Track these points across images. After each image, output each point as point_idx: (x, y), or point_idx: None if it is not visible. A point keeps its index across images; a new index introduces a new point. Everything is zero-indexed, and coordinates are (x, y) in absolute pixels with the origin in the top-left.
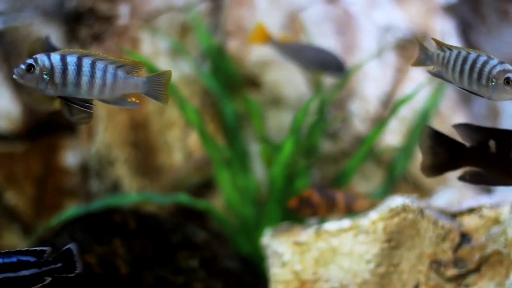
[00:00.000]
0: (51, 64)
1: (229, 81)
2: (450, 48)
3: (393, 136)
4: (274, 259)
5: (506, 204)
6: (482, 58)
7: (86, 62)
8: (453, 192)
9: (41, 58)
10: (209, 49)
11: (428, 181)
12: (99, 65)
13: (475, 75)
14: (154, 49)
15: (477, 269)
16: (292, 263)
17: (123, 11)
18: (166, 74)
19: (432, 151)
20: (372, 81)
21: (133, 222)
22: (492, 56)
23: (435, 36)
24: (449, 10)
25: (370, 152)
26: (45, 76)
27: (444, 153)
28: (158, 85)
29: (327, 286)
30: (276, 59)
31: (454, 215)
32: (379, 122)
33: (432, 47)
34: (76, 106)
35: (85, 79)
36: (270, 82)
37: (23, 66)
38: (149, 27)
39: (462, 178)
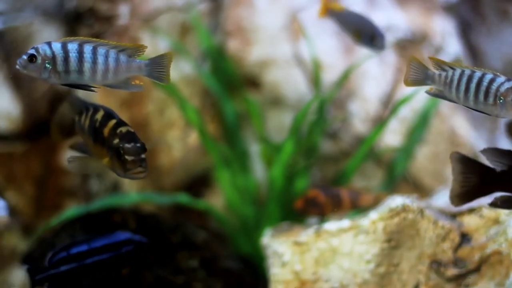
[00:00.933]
0: (53, 53)
1: (229, 81)
2: (452, 66)
3: (393, 136)
4: (274, 259)
5: None
6: (488, 76)
7: (88, 48)
8: None
9: (43, 47)
10: (209, 49)
11: (428, 181)
12: (101, 50)
13: (481, 94)
14: (154, 49)
15: (477, 269)
16: (292, 263)
17: (123, 11)
18: (168, 55)
19: (462, 177)
20: (372, 81)
21: (133, 222)
22: (498, 73)
23: (435, 36)
24: (449, 10)
25: (370, 152)
26: (47, 65)
27: (475, 179)
28: (160, 67)
29: (327, 286)
30: (276, 59)
31: (454, 215)
32: (379, 122)
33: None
34: (81, 89)
35: (87, 65)
36: (270, 82)
37: (25, 57)
38: (149, 27)
39: (493, 204)
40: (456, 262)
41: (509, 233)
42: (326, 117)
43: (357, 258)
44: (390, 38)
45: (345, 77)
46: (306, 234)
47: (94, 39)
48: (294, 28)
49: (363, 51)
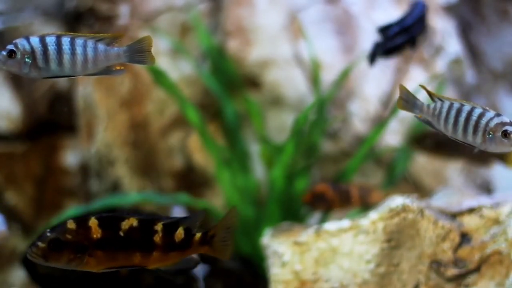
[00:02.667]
0: (32, 47)
1: (229, 81)
2: (441, 99)
3: (393, 136)
4: (274, 259)
5: (506, 204)
6: (478, 110)
7: (65, 40)
8: (453, 192)
9: (21, 42)
10: (209, 49)
11: (428, 181)
12: (78, 41)
13: (470, 127)
14: (154, 49)
15: (477, 269)
16: (292, 263)
17: (123, 11)
18: (146, 39)
19: None
20: (372, 81)
21: None
22: (487, 108)
23: (435, 36)
24: (449, 10)
25: (370, 152)
26: (27, 60)
27: None
28: (140, 51)
29: (327, 286)
30: (276, 59)
31: (454, 215)
32: (379, 122)
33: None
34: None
35: (66, 56)
36: (270, 82)
37: (4, 53)
38: (149, 27)
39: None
40: (456, 262)
41: (509, 233)
42: (326, 117)
43: (357, 258)
44: None
45: (345, 75)
46: (306, 234)
47: (71, 32)
48: (294, 28)
49: (363, 51)
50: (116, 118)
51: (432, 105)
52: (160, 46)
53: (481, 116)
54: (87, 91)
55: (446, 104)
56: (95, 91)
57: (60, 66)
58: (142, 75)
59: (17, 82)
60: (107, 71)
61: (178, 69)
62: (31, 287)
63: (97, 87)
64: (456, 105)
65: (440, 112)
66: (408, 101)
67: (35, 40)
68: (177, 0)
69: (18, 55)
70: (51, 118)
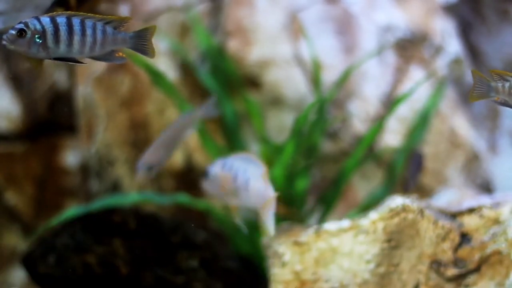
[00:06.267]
0: (43, 27)
1: (229, 81)
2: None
3: (393, 136)
4: (274, 259)
5: (506, 204)
6: None
7: (76, 21)
8: (453, 192)
9: (32, 21)
10: (209, 49)
11: (428, 181)
12: (88, 23)
13: None
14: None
15: (477, 269)
16: (292, 263)
17: (123, 11)
18: (151, 29)
19: None
20: (371, 81)
21: (133, 222)
22: None
23: (435, 36)
24: (449, 10)
25: (370, 152)
26: (37, 40)
27: None
28: (144, 40)
29: (327, 286)
30: (276, 59)
31: (454, 215)
32: (377, 121)
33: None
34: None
35: (76, 38)
36: (270, 82)
37: (13, 32)
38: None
39: None
40: (456, 262)
41: (509, 233)
42: (326, 117)
43: (357, 258)
44: (390, 38)
45: (345, 77)
46: (306, 234)
47: (80, 13)
48: (294, 28)
49: (363, 52)
50: (116, 118)
51: (507, 84)
52: (160, 46)
53: None
54: (87, 91)
55: None
56: (95, 91)
57: (70, 47)
58: (142, 75)
59: (17, 82)
60: (110, 57)
61: (177, 69)
62: (31, 287)
63: (97, 87)
64: None
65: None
66: (482, 87)
67: (46, 20)
68: (177, 0)
69: (28, 35)
70: (51, 118)
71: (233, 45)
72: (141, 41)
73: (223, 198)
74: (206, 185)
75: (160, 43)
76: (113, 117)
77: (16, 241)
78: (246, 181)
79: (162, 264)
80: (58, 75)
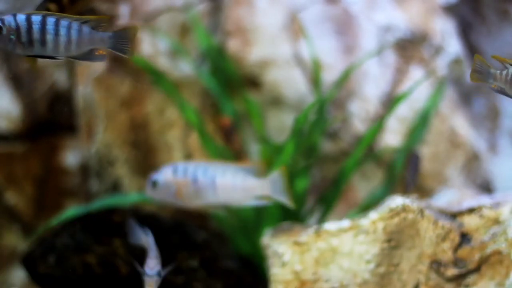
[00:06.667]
0: (17, 24)
1: (229, 81)
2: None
3: (393, 136)
4: (274, 259)
5: (506, 204)
6: None
7: (50, 20)
8: (453, 192)
9: (8, 18)
10: (209, 49)
11: (428, 181)
12: (64, 22)
13: None
14: (154, 49)
15: (477, 269)
16: (292, 263)
17: (123, 11)
18: (133, 29)
19: None
20: (371, 81)
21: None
22: None
23: (435, 36)
24: (449, 10)
25: (370, 152)
26: (12, 36)
27: None
28: (124, 40)
29: (327, 286)
30: (276, 59)
31: (454, 215)
32: (377, 121)
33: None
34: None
35: (49, 37)
36: (270, 82)
37: None
38: (149, 27)
39: None
40: (456, 262)
41: (509, 233)
42: (326, 117)
43: (357, 258)
44: (390, 38)
45: (345, 77)
46: (306, 234)
47: (58, 13)
48: (294, 28)
49: (363, 52)
50: (116, 118)
51: (505, 71)
52: (160, 46)
53: None
54: (87, 91)
55: None
56: (95, 91)
57: (43, 46)
58: (142, 75)
59: (17, 82)
60: (89, 56)
61: (177, 69)
62: (31, 287)
63: (97, 87)
64: None
65: (511, 77)
66: (482, 71)
67: (21, 18)
68: (177, 0)
69: (4, 31)
70: (51, 118)
71: (233, 45)
72: (121, 41)
73: (179, 202)
74: (156, 194)
75: (160, 43)
76: (113, 117)
77: (16, 241)
78: (211, 180)
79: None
80: (58, 75)
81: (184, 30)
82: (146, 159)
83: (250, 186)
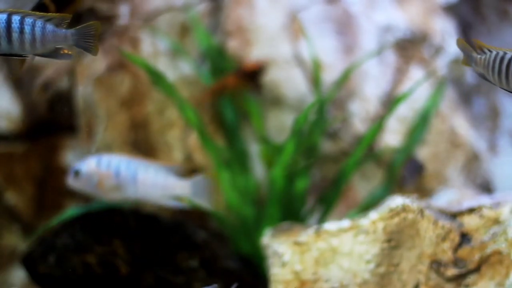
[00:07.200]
0: None
1: None
2: (490, 49)
3: (393, 136)
4: (274, 259)
5: (506, 204)
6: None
7: (15, 19)
8: (453, 192)
9: None
10: (209, 49)
11: (428, 181)
12: (28, 20)
13: (511, 75)
14: (154, 49)
15: (477, 269)
16: (292, 263)
17: (123, 11)
18: (94, 25)
19: None
20: (372, 81)
21: (133, 222)
22: None
23: (435, 36)
24: (449, 10)
25: (370, 152)
26: None
27: None
28: (88, 37)
29: (327, 286)
30: (276, 59)
31: (454, 215)
32: (377, 121)
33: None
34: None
35: (15, 35)
36: (270, 82)
37: None
38: (149, 27)
39: None
40: (456, 262)
41: (509, 233)
42: (326, 117)
43: (357, 258)
44: (390, 38)
45: (345, 77)
46: (306, 234)
47: (22, 10)
48: (294, 28)
49: (363, 52)
50: (116, 118)
51: (483, 57)
52: (160, 46)
53: None
54: (87, 91)
55: (493, 54)
56: (95, 91)
57: (10, 44)
58: (142, 75)
59: (17, 82)
60: (56, 54)
61: (177, 69)
62: (31, 287)
63: (97, 87)
64: (500, 53)
65: (488, 63)
66: (465, 54)
67: None
68: (177, 0)
69: None
70: (51, 118)
71: (233, 45)
72: (84, 38)
73: (100, 194)
74: (77, 184)
75: (160, 43)
76: (113, 117)
77: (16, 241)
78: (132, 175)
79: (162, 264)
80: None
81: (184, 30)
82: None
83: (170, 185)
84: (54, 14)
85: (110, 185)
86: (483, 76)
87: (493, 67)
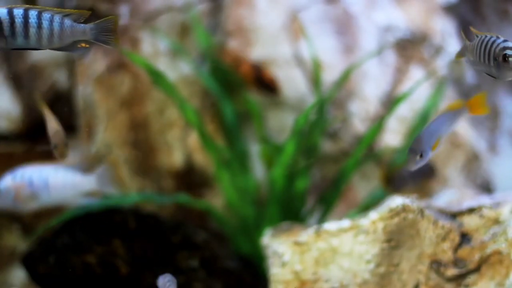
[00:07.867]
0: None
1: (229, 81)
2: (477, 35)
3: (393, 136)
4: (274, 259)
5: (506, 204)
6: (492, 39)
7: (33, 14)
8: (453, 192)
9: None
10: (209, 49)
11: (428, 181)
12: (46, 15)
13: (487, 57)
14: (154, 49)
15: (477, 269)
16: (292, 263)
17: (123, 11)
18: (113, 19)
19: None
20: (372, 81)
21: (133, 222)
22: (499, 36)
23: (435, 36)
24: (449, 10)
25: (370, 152)
26: None
27: None
28: (106, 31)
29: (327, 286)
30: (276, 59)
31: (454, 215)
32: (377, 121)
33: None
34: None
35: (33, 30)
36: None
37: None
38: (149, 27)
39: None
40: (456, 262)
41: (509, 233)
42: (326, 117)
43: (357, 258)
44: (390, 38)
45: (345, 77)
46: (306, 234)
47: (39, 6)
48: (294, 28)
49: (363, 52)
50: (116, 118)
51: (470, 43)
52: (160, 46)
53: (492, 43)
54: (87, 91)
55: (477, 39)
56: (95, 91)
57: (26, 38)
58: (142, 75)
59: (17, 82)
60: (73, 48)
61: (177, 69)
62: (31, 287)
63: (97, 87)
64: (481, 37)
65: (473, 48)
66: (462, 46)
67: (2, 12)
68: (177, 0)
69: None
70: None
71: (233, 45)
72: (103, 32)
73: (19, 206)
74: None
75: (160, 43)
76: (113, 117)
77: (16, 241)
78: (44, 181)
79: (162, 264)
80: (58, 75)
81: (184, 30)
82: (146, 159)
83: (78, 183)
84: (72, 10)
85: (25, 195)
86: (473, 65)
87: (478, 52)
